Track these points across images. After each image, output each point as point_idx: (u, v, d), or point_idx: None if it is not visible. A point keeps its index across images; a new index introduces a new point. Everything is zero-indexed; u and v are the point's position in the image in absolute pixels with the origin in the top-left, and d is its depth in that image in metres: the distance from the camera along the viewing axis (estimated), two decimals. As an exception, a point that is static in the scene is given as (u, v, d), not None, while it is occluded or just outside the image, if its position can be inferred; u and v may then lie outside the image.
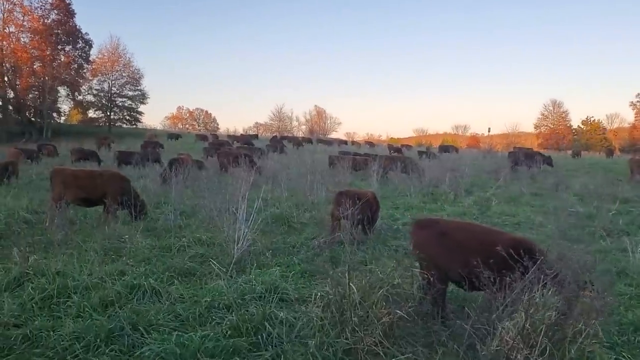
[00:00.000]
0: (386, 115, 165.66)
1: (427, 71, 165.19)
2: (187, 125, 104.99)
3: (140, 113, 72.52)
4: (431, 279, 4.94)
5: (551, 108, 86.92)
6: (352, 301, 4.45)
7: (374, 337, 4.23)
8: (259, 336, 4.56)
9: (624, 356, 4.44)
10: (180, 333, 4.57)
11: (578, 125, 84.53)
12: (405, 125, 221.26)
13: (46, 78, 57.07)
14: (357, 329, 4.30)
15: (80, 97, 66.56)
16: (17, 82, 55.94)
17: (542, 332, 3.42)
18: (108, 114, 69.33)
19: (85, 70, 64.50)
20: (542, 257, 4.14)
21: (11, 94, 56.67)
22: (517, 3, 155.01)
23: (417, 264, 5.48)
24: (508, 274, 3.96)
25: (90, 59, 64.66)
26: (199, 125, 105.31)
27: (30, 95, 58.57)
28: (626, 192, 15.92)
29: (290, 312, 5.15)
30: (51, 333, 4.53)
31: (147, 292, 5.64)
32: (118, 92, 69.15)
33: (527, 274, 3.90)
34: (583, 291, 3.88)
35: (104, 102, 68.50)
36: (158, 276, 6.31)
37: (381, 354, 4.14)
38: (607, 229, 9.92)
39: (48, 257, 6.91)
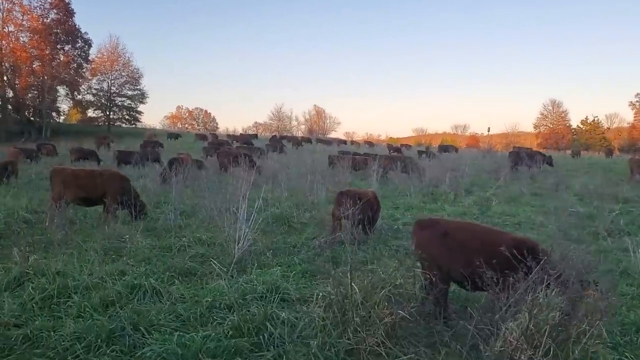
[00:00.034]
0: (385, 115, 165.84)
1: (426, 71, 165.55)
2: (186, 125, 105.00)
3: (140, 112, 72.58)
4: (433, 279, 4.93)
5: (550, 108, 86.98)
6: (354, 301, 4.43)
7: (376, 338, 4.21)
8: (261, 336, 4.54)
9: (626, 356, 4.43)
10: (181, 333, 4.55)
11: (577, 125, 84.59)
12: (404, 125, 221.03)
13: (45, 77, 57.03)
14: (359, 329, 4.28)
15: (79, 97, 66.61)
16: (16, 82, 55.88)
17: (546, 333, 3.40)
18: (107, 113, 69.24)
19: (84, 70, 64.49)
20: (545, 257, 4.13)
21: (10, 94, 56.65)
22: (516, 3, 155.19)
23: (419, 264, 5.47)
24: (511, 274, 3.94)
25: (89, 58, 64.77)
26: (198, 125, 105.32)
27: (29, 95, 58.56)
28: (626, 192, 15.93)
29: (291, 312, 5.12)
30: (52, 333, 4.51)
31: (147, 292, 5.62)
32: (117, 91, 69.06)
33: (530, 274, 3.88)
34: (586, 291, 3.86)
35: (103, 101, 68.41)
36: (159, 276, 6.29)
37: (383, 354, 4.12)
38: (607, 229, 9.90)
39: (48, 257, 6.89)
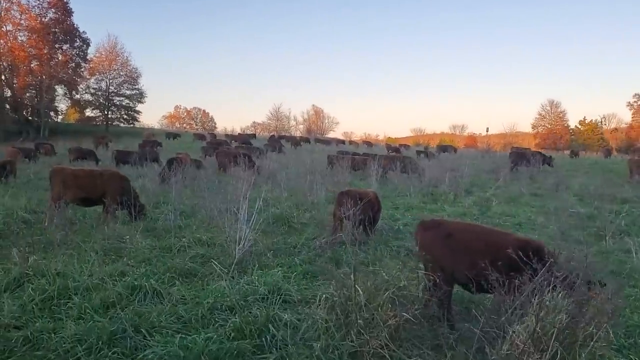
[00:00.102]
0: (384, 115, 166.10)
1: (425, 71, 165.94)
2: (184, 125, 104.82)
3: (138, 112, 72.56)
4: (437, 280, 4.89)
5: (548, 108, 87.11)
6: (357, 303, 4.39)
7: (380, 340, 4.16)
8: (263, 338, 4.50)
9: (631, 359, 4.41)
10: (183, 335, 4.51)
11: (575, 126, 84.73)
12: (402, 125, 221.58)
13: (43, 77, 56.90)
14: (362, 331, 4.23)
15: (77, 96, 66.61)
16: (15, 81, 55.76)
17: (553, 336, 3.37)
18: (105, 113, 69.13)
19: (82, 69, 64.34)
20: (551, 259, 4.10)
21: (8, 93, 56.52)
22: (516, 3, 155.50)
23: (422, 266, 5.43)
24: (516, 276, 3.91)
25: (87, 57, 64.63)
26: (196, 125, 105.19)
27: (27, 94, 58.43)
28: (626, 193, 15.94)
29: (293, 314, 5.08)
30: (52, 335, 4.46)
31: (148, 293, 5.58)
32: (115, 91, 68.96)
33: (536, 275, 3.84)
34: (592, 293, 3.83)
35: (101, 101, 68.31)
36: (159, 277, 6.25)
37: (387, 357, 4.08)
38: (608, 230, 9.88)
39: (48, 258, 6.84)
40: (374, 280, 4.67)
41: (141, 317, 4.89)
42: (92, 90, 67.99)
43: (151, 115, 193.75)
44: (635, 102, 76.88)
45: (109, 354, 4.20)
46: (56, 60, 58.75)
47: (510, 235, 5.13)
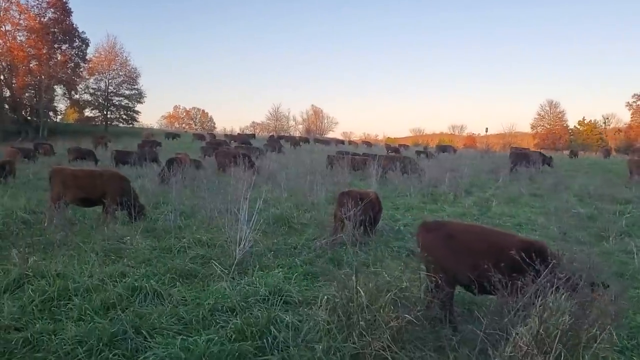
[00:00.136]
0: (383, 115, 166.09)
1: (424, 71, 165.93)
2: (183, 125, 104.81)
3: (137, 112, 72.42)
4: (439, 282, 4.87)
5: (548, 108, 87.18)
6: (359, 304, 4.37)
7: (382, 342, 4.14)
8: (265, 340, 4.47)
9: (634, 360, 4.39)
10: (184, 337, 4.48)
11: (574, 126, 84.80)
12: (402, 125, 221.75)
13: (42, 77, 56.82)
14: (364, 333, 4.22)
15: (76, 96, 66.44)
16: (14, 81, 55.67)
17: (557, 338, 3.35)
18: (105, 113, 69.00)
19: (81, 69, 64.20)
20: (554, 260, 4.08)
21: (7, 93, 56.44)
22: (516, 3, 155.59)
23: (424, 267, 5.41)
24: (519, 277, 3.89)
25: (86, 57, 64.48)
26: (195, 125, 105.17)
27: (26, 94, 58.35)
28: (626, 193, 15.93)
29: (295, 315, 5.06)
30: (53, 337, 4.43)
31: (148, 294, 5.54)
32: (115, 91, 68.87)
33: (539, 277, 3.83)
34: (595, 295, 3.82)
35: (100, 101, 68.21)
36: (159, 278, 6.22)
37: (389, 359, 4.06)
38: (611, 231, 9.86)
39: (47, 258, 6.81)
40: (375, 282, 4.66)
41: (142, 318, 4.86)
42: (91, 90, 67.99)
43: (150, 115, 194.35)
44: (634, 102, 76.93)
45: (110, 355, 4.17)
46: (55, 60, 58.63)
47: (513, 237, 5.12)
